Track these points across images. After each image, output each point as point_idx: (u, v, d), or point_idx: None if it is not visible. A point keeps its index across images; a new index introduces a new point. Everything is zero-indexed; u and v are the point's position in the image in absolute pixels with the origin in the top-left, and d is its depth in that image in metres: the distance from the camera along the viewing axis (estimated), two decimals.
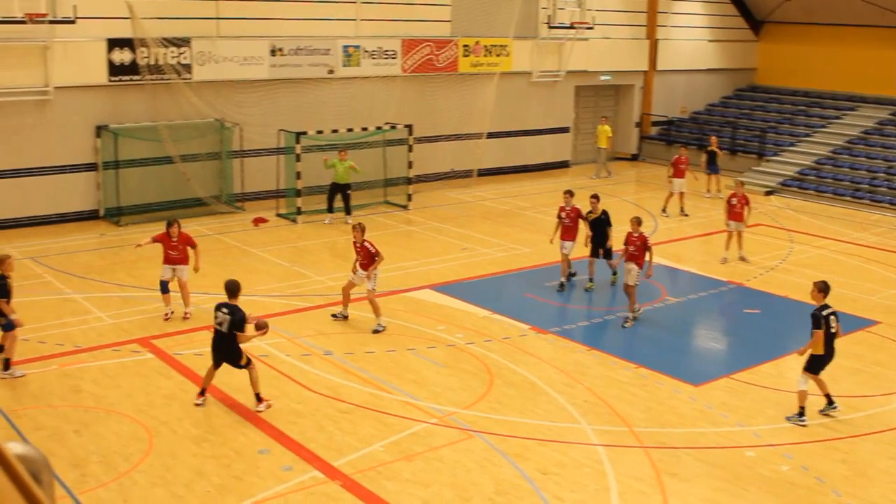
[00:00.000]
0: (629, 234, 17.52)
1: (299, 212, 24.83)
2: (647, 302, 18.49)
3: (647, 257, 17.41)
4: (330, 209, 24.73)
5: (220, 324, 12.96)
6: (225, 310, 12.97)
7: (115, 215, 24.11)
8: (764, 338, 17.19)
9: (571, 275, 19.72)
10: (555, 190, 29.93)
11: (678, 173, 26.99)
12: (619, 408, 13.55)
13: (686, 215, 26.87)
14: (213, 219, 24.73)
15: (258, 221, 24.51)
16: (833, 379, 14.02)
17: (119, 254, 21.11)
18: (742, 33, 39.92)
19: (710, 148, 30.05)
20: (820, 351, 13.19)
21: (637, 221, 17.64)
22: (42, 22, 22.07)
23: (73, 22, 22.41)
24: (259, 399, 13.11)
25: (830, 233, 25.69)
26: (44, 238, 22.36)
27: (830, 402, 13.54)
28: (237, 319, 12.91)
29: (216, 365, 13.20)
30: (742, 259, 21.74)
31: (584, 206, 19.73)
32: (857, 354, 16.02)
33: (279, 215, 25.28)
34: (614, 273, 19.50)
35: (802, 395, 13.26)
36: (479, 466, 11.60)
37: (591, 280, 19.45)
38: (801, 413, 13.24)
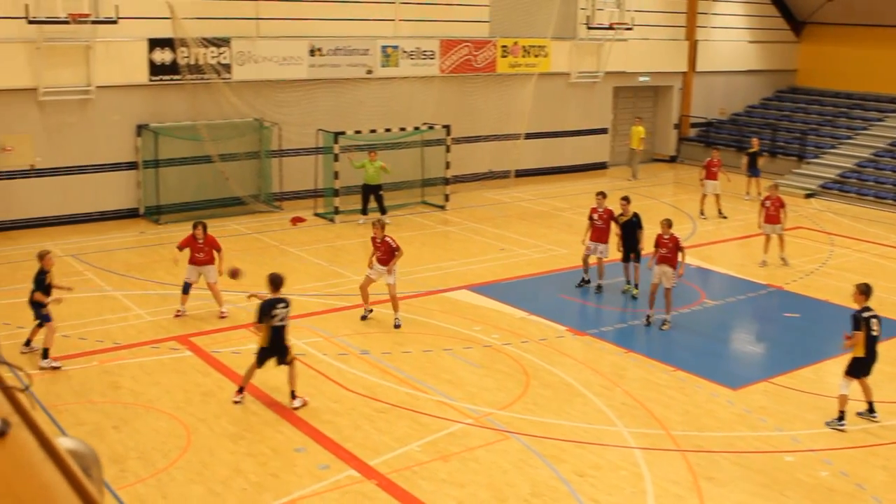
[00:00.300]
0: (659, 237, 17.25)
1: (337, 211, 24.91)
2: (685, 304, 18.38)
3: (679, 258, 17.24)
4: (364, 211, 24.75)
5: (282, 319, 12.99)
6: (282, 304, 13.03)
7: (155, 213, 24.32)
8: (803, 342, 17.03)
9: (585, 281, 19.50)
10: (592, 191, 29.77)
11: (711, 175, 26.74)
12: (656, 411, 13.47)
13: (724, 217, 26.65)
14: (252, 218, 24.89)
15: (296, 221, 24.62)
16: (874, 384, 13.87)
17: (158, 252, 21.28)
18: (783, 34, 39.55)
19: (751, 150, 29.76)
20: (860, 353, 13.05)
21: (667, 223, 17.36)
22: (85, 22, 22.33)
23: (115, 22, 22.65)
24: (294, 395, 13.17)
25: (872, 236, 25.40)
26: (85, 236, 22.60)
27: (871, 410, 13.38)
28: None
29: (261, 363, 13.23)
30: (783, 261, 21.51)
31: (616, 208, 19.56)
32: None
33: (317, 215, 25.39)
34: (636, 286, 19.10)
35: (843, 400, 13.12)
36: (514, 467, 11.58)
37: (628, 283, 19.28)
38: (841, 417, 13.10)
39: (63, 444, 1.46)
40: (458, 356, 15.39)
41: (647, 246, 18.52)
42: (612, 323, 17.69)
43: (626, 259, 19.17)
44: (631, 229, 18.97)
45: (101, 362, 14.67)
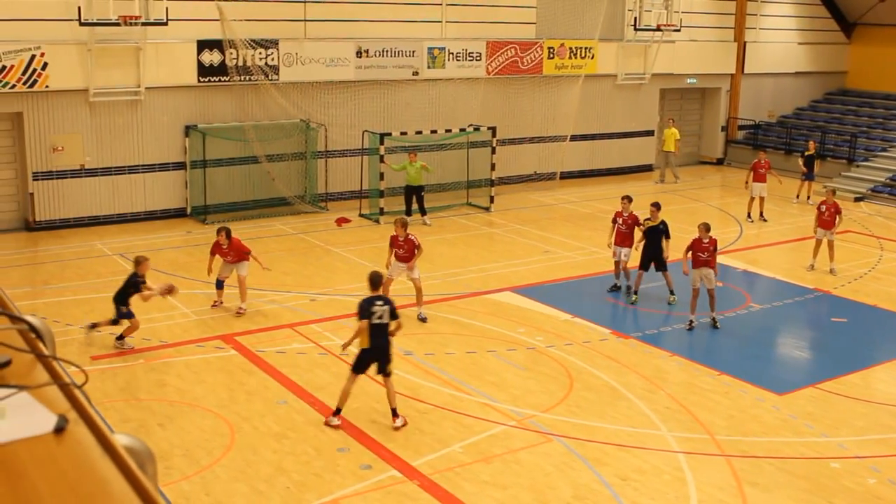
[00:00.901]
0: (699, 241, 17.04)
1: (382, 212, 24.98)
2: (730, 308, 18.24)
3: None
4: (408, 212, 24.81)
5: (380, 317, 12.51)
6: (380, 302, 12.61)
7: (202, 213, 24.56)
8: (851, 347, 16.82)
9: (616, 287, 19.35)
10: (638, 193, 29.59)
11: (758, 177, 26.42)
12: (700, 415, 13.39)
13: (765, 220, 26.32)
14: (297, 218, 25.05)
15: (341, 221, 24.74)
16: None
17: (205, 251, 21.33)
18: (833, 35, 39.08)
19: (808, 153, 29.37)
20: None
21: (706, 227, 17.16)
22: (135, 24, 22.58)
23: (165, 24, 22.89)
24: (395, 414, 12.71)
25: None
26: (132, 235, 22.88)
27: None
28: (395, 308, 12.74)
29: (361, 367, 12.70)
30: (831, 271, 21.13)
31: (645, 212, 19.31)
32: None
33: (362, 215, 25.50)
34: (672, 293, 18.70)
35: None
36: (557, 470, 11.57)
37: (635, 293, 18.80)
38: None
39: (119, 440, 1.51)
40: (501, 358, 15.40)
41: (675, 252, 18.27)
42: (656, 326, 17.57)
43: (643, 266, 18.70)
44: (656, 236, 18.61)
45: (147, 360, 14.85)
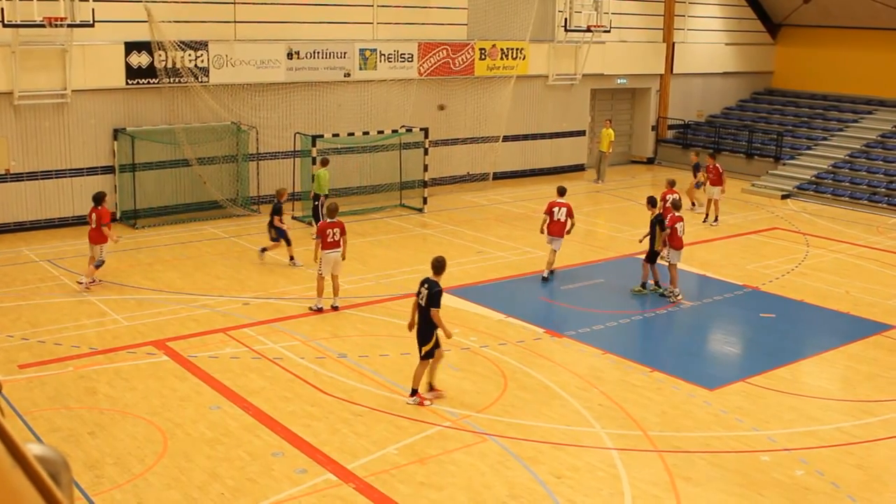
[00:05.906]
0: None
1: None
2: (662, 305, 18.46)
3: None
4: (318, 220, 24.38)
5: (421, 298, 13.40)
6: (424, 285, 13.41)
7: (132, 218, 24.20)
8: (779, 342, 17.13)
9: (551, 273, 20.19)
10: (571, 193, 29.86)
11: (714, 181, 26.61)
12: (633, 412, 13.54)
13: (714, 223, 26.48)
14: (229, 221, 24.82)
15: None
16: (849, 383, 13.99)
17: (135, 256, 21.20)
18: (759, 36, 39.81)
19: None
20: None
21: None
22: (61, 26, 22.18)
23: (91, 26, 22.51)
24: (414, 392, 13.63)
25: (847, 237, 25.60)
26: (61, 240, 22.48)
27: None
28: (434, 293, 13.30)
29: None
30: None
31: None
32: (873, 359, 15.97)
33: (295, 218, 25.33)
34: (656, 283, 19.53)
35: None
36: (492, 470, 11.61)
37: (656, 284, 19.58)
38: None
39: (32, 450, 1.47)
40: None
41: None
42: (589, 324, 17.72)
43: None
44: (651, 227, 19.56)
45: (76, 368, 14.59)
